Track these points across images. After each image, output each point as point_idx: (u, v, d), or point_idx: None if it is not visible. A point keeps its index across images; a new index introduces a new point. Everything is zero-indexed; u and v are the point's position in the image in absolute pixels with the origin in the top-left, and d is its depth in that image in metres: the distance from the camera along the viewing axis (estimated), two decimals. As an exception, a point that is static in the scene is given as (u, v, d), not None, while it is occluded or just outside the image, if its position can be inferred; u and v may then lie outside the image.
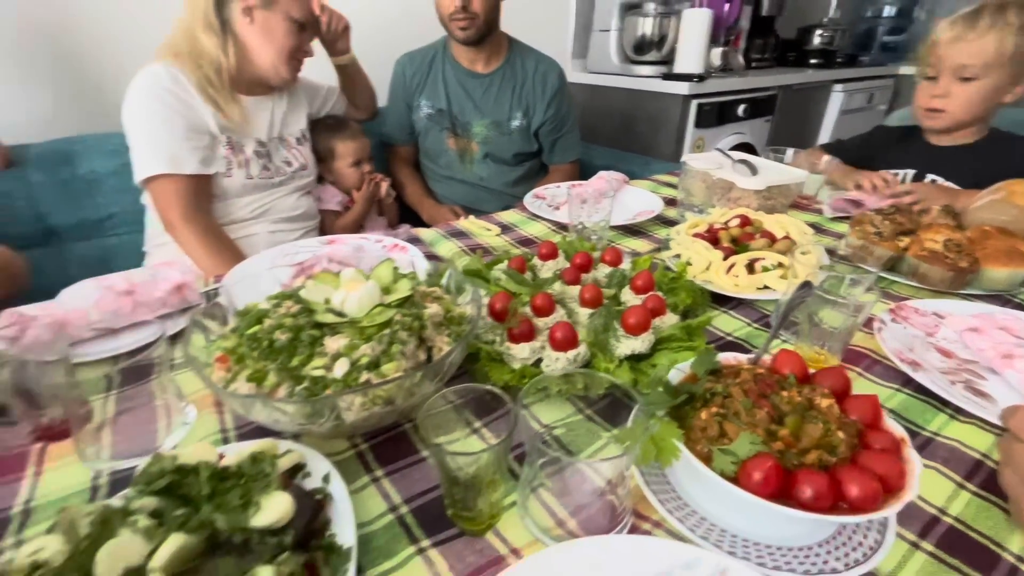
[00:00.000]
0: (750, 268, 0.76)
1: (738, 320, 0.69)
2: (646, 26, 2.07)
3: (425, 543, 0.39)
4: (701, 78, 1.98)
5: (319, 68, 1.42)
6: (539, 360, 0.55)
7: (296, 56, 1.19)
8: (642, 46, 2.12)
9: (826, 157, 1.11)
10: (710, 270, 0.75)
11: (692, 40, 1.99)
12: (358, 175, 1.48)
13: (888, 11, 2.92)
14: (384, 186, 1.52)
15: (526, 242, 0.95)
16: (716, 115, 2.12)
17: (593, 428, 0.51)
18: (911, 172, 1.15)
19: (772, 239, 0.83)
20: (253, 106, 1.22)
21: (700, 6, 2.05)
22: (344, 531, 0.37)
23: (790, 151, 1.16)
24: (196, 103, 1.10)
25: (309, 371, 0.44)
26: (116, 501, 0.36)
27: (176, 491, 0.36)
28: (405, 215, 1.67)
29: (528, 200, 1.11)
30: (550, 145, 1.56)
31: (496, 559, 0.38)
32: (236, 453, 0.40)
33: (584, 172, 1.62)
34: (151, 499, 0.35)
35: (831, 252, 0.88)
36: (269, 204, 1.26)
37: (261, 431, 0.50)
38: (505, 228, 1.01)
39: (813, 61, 2.74)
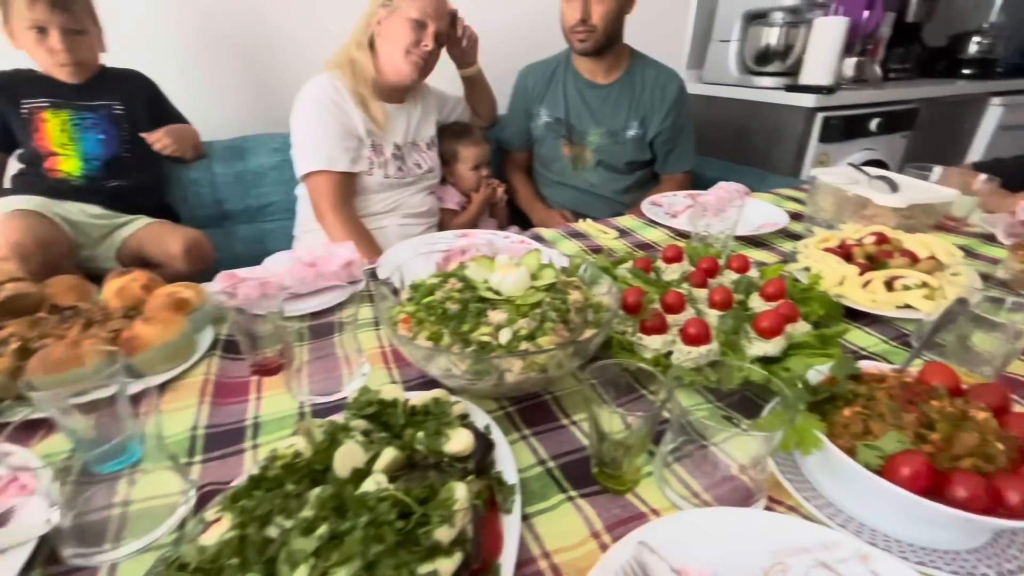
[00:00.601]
0: (888, 286, 0.73)
1: (873, 336, 0.68)
2: (771, 36, 2.00)
3: (573, 493, 0.44)
4: (830, 90, 1.88)
5: (447, 80, 1.56)
6: (669, 352, 0.59)
7: (412, 51, 1.25)
8: (765, 56, 2.05)
9: (982, 177, 1.02)
10: (844, 285, 0.73)
11: (823, 50, 1.89)
12: (476, 178, 1.60)
13: (1069, 14, 2.54)
14: (499, 190, 1.63)
15: (644, 246, 0.99)
16: (844, 129, 1.99)
17: (722, 419, 0.54)
18: None
19: (913, 258, 0.79)
20: (393, 113, 1.37)
21: (835, 14, 1.94)
22: (507, 471, 0.44)
23: (937, 168, 1.08)
24: (350, 109, 1.27)
25: (477, 336, 0.51)
26: (338, 419, 0.45)
27: (379, 418, 0.45)
28: (514, 217, 1.77)
29: (645, 206, 1.14)
30: (664, 155, 1.57)
31: (638, 514, 0.42)
32: (418, 397, 0.48)
33: (696, 183, 1.61)
34: (361, 421, 0.45)
35: (985, 276, 0.81)
36: (400, 201, 1.41)
37: (423, 386, 0.59)
38: (623, 232, 1.05)
39: (966, 71, 2.46)
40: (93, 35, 1.27)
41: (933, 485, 0.36)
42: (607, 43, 1.41)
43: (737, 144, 2.18)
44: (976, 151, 2.44)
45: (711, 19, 2.22)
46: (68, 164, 1.29)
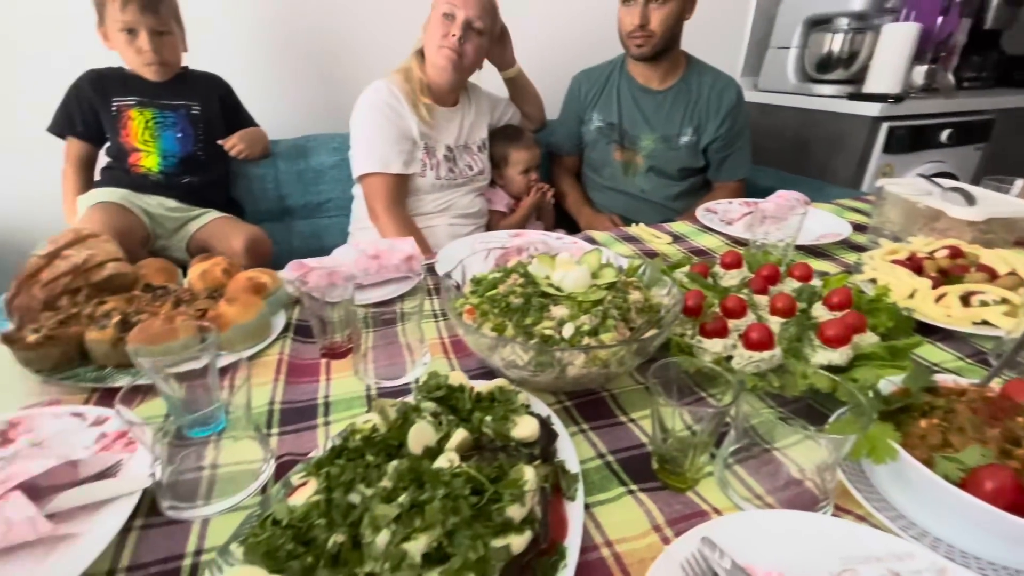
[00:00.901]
0: (964, 301, 0.70)
1: (946, 352, 0.65)
2: (835, 43, 1.94)
3: (634, 487, 0.45)
4: (898, 99, 1.80)
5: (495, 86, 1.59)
6: (729, 357, 0.59)
7: (442, 44, 1.27)
8: (827, 64, 1.99)
9: (1070, 190, 0.96)
10: (915, 298, 0.71)
11: (891, 57, 1.81)
12: (525, 182, 1.62)
13: None
14: (549, 194, 1.65)
15: (699, 252, 0.98)
16: (910, 140, 1.90)
17: (784, 425, 0.53)
18: None
19: (992, 274, 0.75)
20: (446, 115, 1.41)
21: (907, 19, 1.86)
22: (569, 460, 0.45)
23: (1019, 182, 1.02)
24: (405, 113, 1.31)
25: (540, 330, 0.53)
26: (409, 400, 0.48)
27: (447, 401, 0.47)
28: (560, 220, 1.78)
29: (700, 213, 1.13)
30: (718, 162, 1.54)
31: (700, 512, 0.42)
32: (483, 385, 0.50)
33: (749, 192, 1.58)
34: (431, 403, 0.47)
35: (1072, 296, 0.76)
36: (451, 201, 1.45)
37: (481, 377, 0.60)
38: (676, 238, 1.05)
39: (1050, 81, 2.30)
40: (177, 36, 1.36)
41: (1020, 501, 0.35)
42: (664, 49, 1.41)
43: (793, 154, 2.12)
44: (1059, 166, 2.27)
45: (770, 25, 2.17)
46: (149, 160, 1.39)
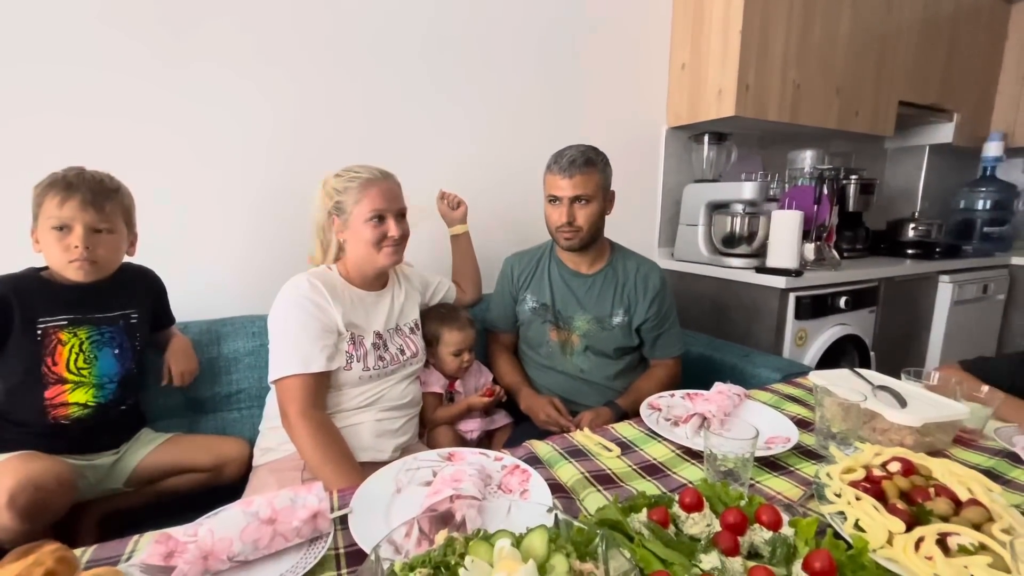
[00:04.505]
0: (942, 544, 0.64)
1: (949, 625, 0.56)
2: (735, 224, 2.18)
3: None
4: (798, 273, 1.99)
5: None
6: None
7: (383, 244, 1.25)
8: (732, 240, 2.21)
9: (985, 388, 1.00)
10: (894, 546, 0.64)
11: (784, 238, 2.05)
12: (457, 364, 1.55)
13: (982, 204, 2.90)
14: (502, 398, 1.58)
15: (651, 469, 0.89)
16: (815, 307, 2.08)
17: None
18: None
19: (954, 499, 0.71)
20: (374, 301, 1.35)
21: (790, 207, 2.16)
22: None
23: (934, 373, 1.07)
24: (328, 306, 1.22)
25: None
26: None
27: None
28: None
29: (644, 413, 1.07)
30: (652, 341, 1.56)
31: None
32: None
33: (683, 357, 1.61)
34: None
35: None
36: (381, 393, 1.31)
37: None
38: (624, 447, 0.96)
39: (911, 251, 2.69)
40: (120, 237, 1.15)
41: None
42: (591, 241, 1.49)
43: (716, 318, 2.24)
44: (939, 324, 2.56)
45: (677, 207, 2.43)
46: (79, 394, 1.12)
